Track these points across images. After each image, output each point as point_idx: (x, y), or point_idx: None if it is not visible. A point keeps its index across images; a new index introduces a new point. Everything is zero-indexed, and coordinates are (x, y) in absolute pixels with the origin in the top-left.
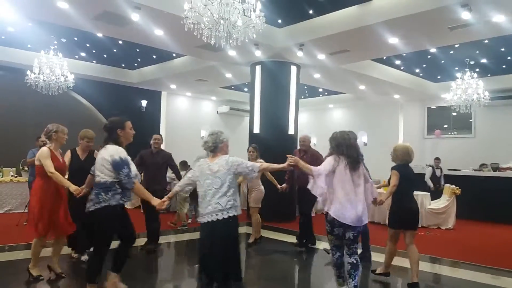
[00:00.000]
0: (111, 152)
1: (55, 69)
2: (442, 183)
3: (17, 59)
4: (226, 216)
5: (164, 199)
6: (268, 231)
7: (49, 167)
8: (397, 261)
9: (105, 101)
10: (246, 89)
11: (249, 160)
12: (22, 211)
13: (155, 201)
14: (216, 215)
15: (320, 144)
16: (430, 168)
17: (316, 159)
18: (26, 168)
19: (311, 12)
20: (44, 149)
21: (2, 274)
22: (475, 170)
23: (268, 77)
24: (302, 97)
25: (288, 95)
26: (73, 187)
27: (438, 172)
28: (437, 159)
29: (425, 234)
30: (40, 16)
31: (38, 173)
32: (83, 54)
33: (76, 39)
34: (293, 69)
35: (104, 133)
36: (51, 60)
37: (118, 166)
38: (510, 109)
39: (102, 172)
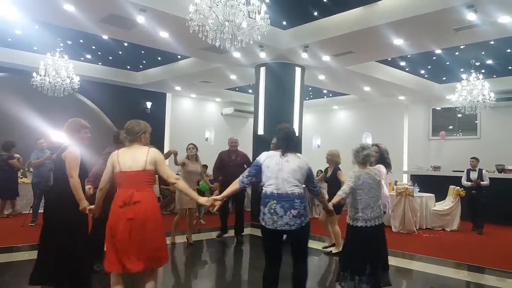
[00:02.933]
0: (306, 161)
1: (60, 71)
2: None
3: (23, 61)
4: (383, 220)
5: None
6: None
7: (173, 172)
8: (402, 262)
9: (110, 103)
10: (250, 91)
11: (188, 157)
12: (28, 212)
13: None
14: (380, 219)
15: (324, 145)
16: (465, 170)
17: (247, 160)
18: (31, 170)
19: (315, 13)
20: (156, 150)
21: (7, 274)
22: None
23: (273, 79)
24: (307, 98)
25: (293, 96)
26: (203, 199)
27: (473, 174)
28: (472, 159)
29: (429, 235)
30: (46, 19)
31: (148, 182)
32: (88, 56)
33: (81, 41)
34: (298, 70)
35: (282, 141)
36: (57, 62)
37: (312, 175)
38: None
39: (300, 183)
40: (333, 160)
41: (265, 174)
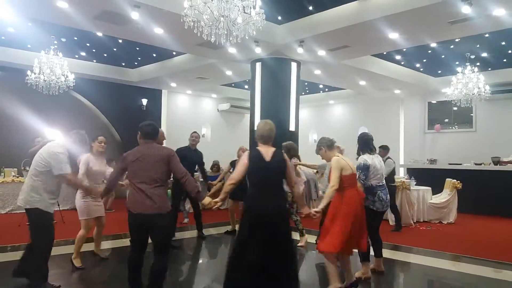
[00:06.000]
0: None
1: (55, 69)
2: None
3: (17, 59)
4: None
5: None
6: None
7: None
8: (399, 255)
9: (106, 101)
10: (246, 87)
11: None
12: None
13: None
14: None
15: None
16: None
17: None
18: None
19: (311, 8)
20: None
21: (4, 274)
22: (476, 164)
23: (269, 74)
24: (303, 93)
25: (289, 91)
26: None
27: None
28: (379, 148)
29: (427, 228)
30: (39, 16)
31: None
32: (83, 54)
33: (76, 38)
34: (294, 65)
35: (372, 145)
36: (51, 60)
37: None
38: (511, 103)
39: None
40: None
41: (372, 172)
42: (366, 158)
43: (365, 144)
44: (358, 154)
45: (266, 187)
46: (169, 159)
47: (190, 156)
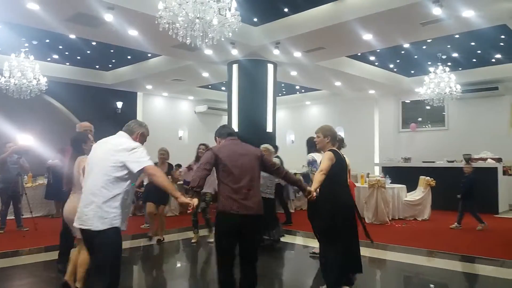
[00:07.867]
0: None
1: (26, 72)
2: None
3: None
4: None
5: None
6: None
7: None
8: (376, 253)
9: (79, 104)
10: (223, 88)
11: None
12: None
13: None
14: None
15: (297, 141)
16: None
17: None
18: None
19: (286, 10)
20: None
21: None
22: (448, 162)
23: (245, 76)
24: (280, 94)
25: (266, 93)
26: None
27: None
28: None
29: (402, 225)
30: (9, 18)
31: None
32: (55, 56)
33: (48, 41)
34: (270, 67)
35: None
36: (22, 63)
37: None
38: (480, 101)
39: None
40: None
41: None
42: (313, 155)
43: (311, 146)
44: (308, 153)
45: (345, 183)
46: (261, 156)
47: None
